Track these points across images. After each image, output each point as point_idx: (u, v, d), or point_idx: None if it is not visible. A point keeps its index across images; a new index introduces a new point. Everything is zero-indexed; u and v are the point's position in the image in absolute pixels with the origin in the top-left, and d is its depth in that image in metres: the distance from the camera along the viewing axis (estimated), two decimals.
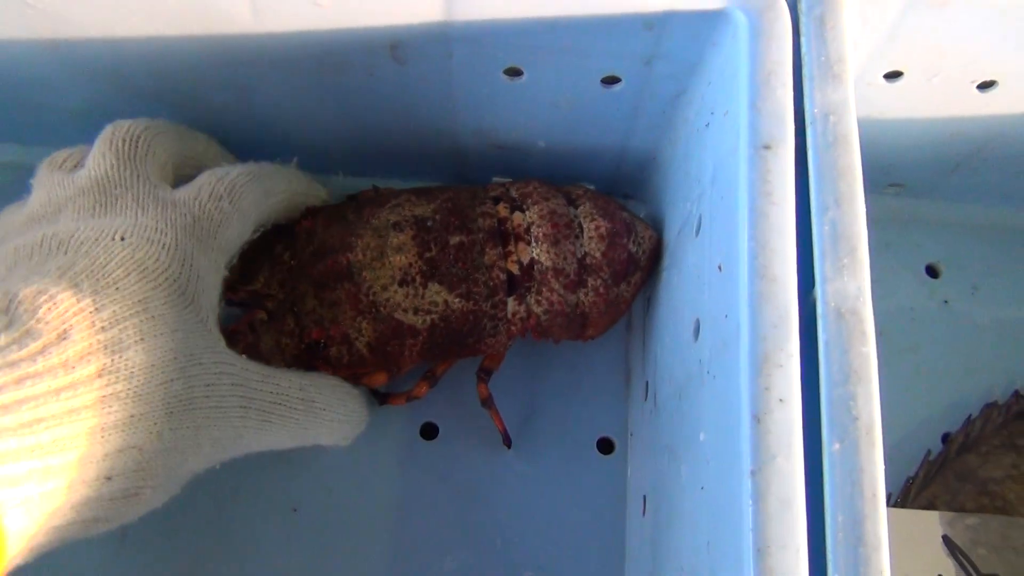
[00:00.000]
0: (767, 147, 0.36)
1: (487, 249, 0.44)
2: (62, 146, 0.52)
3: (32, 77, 0.46)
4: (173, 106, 0.48)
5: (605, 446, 0.50)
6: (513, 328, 0.45)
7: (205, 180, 0.42)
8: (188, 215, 0.39)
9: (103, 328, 0.33)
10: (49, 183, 0.41)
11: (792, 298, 0.33)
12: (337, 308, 0.43)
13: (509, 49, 0.42)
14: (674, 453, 0.42)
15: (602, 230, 0.46)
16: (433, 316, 0.43)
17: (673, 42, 0.41)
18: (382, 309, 0.43)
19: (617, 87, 0.45)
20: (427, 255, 0.43)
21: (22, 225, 0.39)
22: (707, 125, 0.41)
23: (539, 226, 0.45)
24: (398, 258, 0.43)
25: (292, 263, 0.44)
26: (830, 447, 0.31)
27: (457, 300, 0.43)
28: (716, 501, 0.34)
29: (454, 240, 0.44)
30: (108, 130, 0.42)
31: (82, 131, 0.51)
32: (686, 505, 0.38)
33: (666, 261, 0.48)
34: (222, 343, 0.38)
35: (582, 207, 0.46)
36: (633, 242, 0.47)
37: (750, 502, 0.30)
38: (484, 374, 0.47)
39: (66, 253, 0.35)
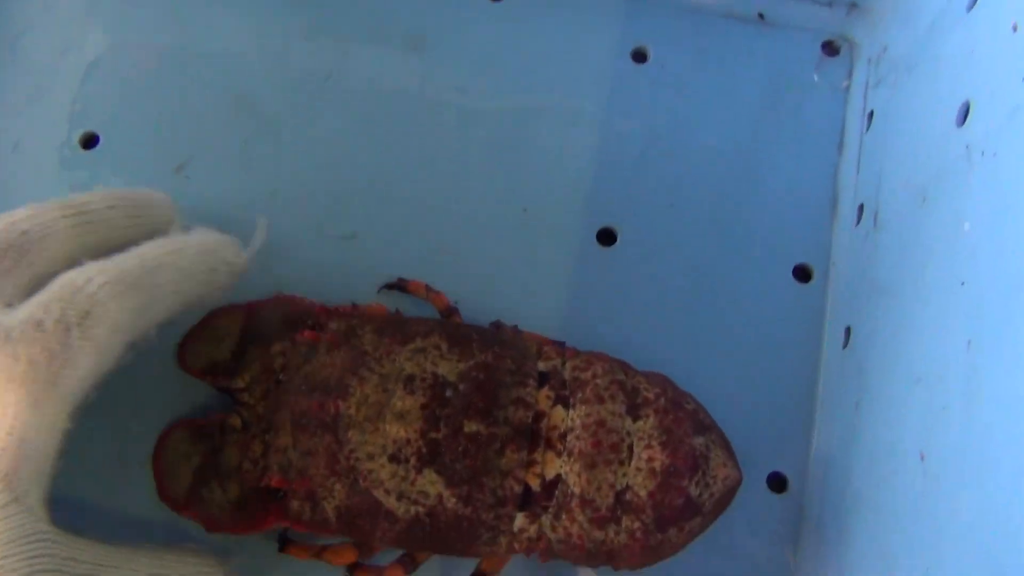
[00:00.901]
0: None
1: (508, 451, 0.36)
2: None
3: None
4: None
5: (802, 274, 0.45)
6: (516, 545, 0.37)
7: (56, 295, 0.32)
8: (20, 359, 0.31)
9: None
10: None
11: None
12: (310, 459, 0.36)
13: None
14: (904, 268, 0.36)
15: (655, 464, 0.36)
16: (419, 508, 0.36)
17: None
18: (361, 481, 0.36)
19: None
20: (431, 435, 0.35)
21: None
22: None
23: (579, 437, 0.36)
24: (396, 428, 0.35)
25: (281, 377, 0.38)
26: None
27: (453, 500, 0.36)
28: (986, 293, 0.29)
29: (470, 428, 0.35)
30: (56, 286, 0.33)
31: None
32: (928, 312, 0.33)
33: (903, 67, 0.41)
34: (42, 524, 0.31)
35: (642, 422, 0.37)
36: (697, 483, 0.36)
37: None
38: None
39: None
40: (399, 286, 0.43)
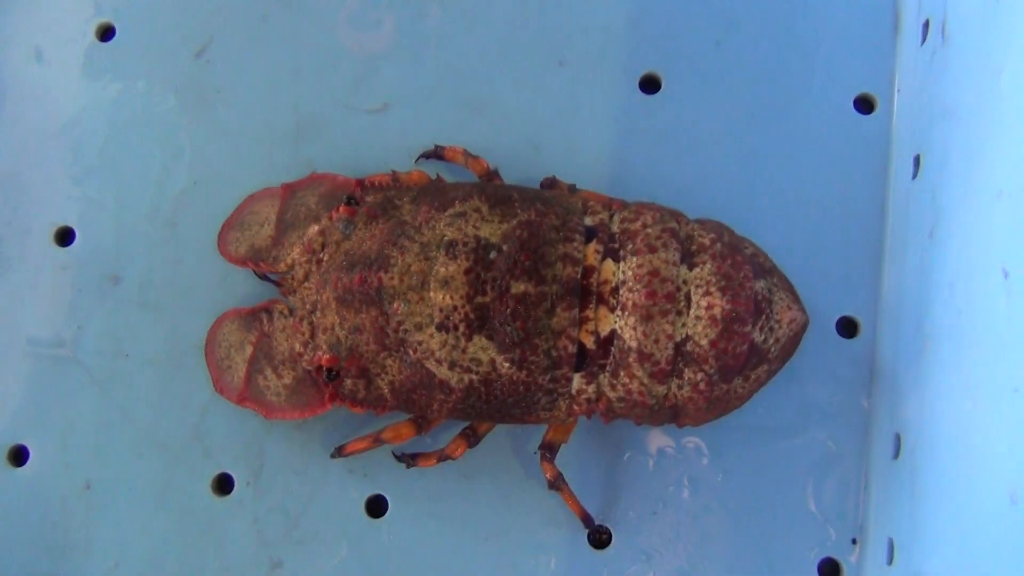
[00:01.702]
0: None
1: (558, 309, 0.34)
2: None
3: None
4: None
5: (864, 105, 0.42)
6: (576, 407, 0.36)
7: None
8: None
9: None
10: None
11: None
12: (359, 336, 0.35)
13: None
14: (978, 79, 0.33)
15: (715, 311, 0.34)
16: (473, 376, 0.34)
17: None
18: (411, 352, 0.34)
19: None
20: (478, 300, 0.34)
21: None
22: None
23: (632, 290, 0.34)
24: (441, 296, 0.34)
25: (322, 256, 0.37)
26: None
27: (506, 364, 0.34)
28: None
29: (517, 288, 0.34)
30: None
31: None
32: (1008, 119, 0.30)
33: None
34: None
35: (699, 269, 0.34)
36: (761, 329, 0.34)
37: None
38: (548, 451, 0.38)
39: None
40: (436, 154, 0.41)
